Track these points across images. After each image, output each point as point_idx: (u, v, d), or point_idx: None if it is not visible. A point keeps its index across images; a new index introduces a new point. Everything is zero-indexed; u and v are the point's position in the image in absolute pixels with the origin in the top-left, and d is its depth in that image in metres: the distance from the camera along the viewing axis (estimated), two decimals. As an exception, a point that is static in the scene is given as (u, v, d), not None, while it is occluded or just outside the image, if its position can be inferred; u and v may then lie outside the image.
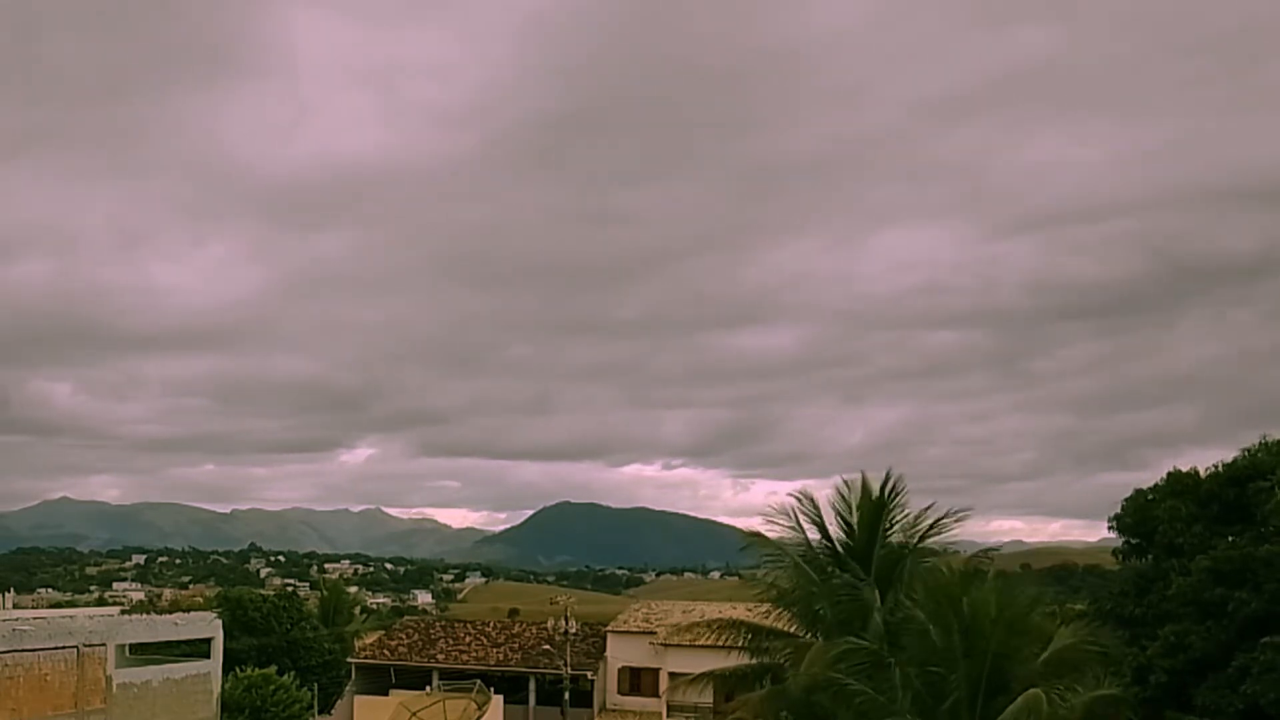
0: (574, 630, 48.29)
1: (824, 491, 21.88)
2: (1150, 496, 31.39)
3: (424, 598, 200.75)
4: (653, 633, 47.51)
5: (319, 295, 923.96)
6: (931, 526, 21.00)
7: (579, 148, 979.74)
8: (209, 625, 36.94)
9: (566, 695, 46.07)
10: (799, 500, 21.71)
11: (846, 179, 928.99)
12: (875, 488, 20.97)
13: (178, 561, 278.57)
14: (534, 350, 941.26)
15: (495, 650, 50.24)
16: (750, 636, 22.03)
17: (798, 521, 21.53)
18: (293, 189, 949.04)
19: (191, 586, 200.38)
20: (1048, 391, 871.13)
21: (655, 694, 46.74)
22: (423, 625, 56.71)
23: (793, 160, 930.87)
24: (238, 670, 41.31)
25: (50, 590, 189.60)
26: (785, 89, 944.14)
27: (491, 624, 56.58)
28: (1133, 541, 32.02)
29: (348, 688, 51.42)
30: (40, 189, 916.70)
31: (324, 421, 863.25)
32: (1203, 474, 30.53)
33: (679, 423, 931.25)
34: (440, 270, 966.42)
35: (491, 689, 44.06)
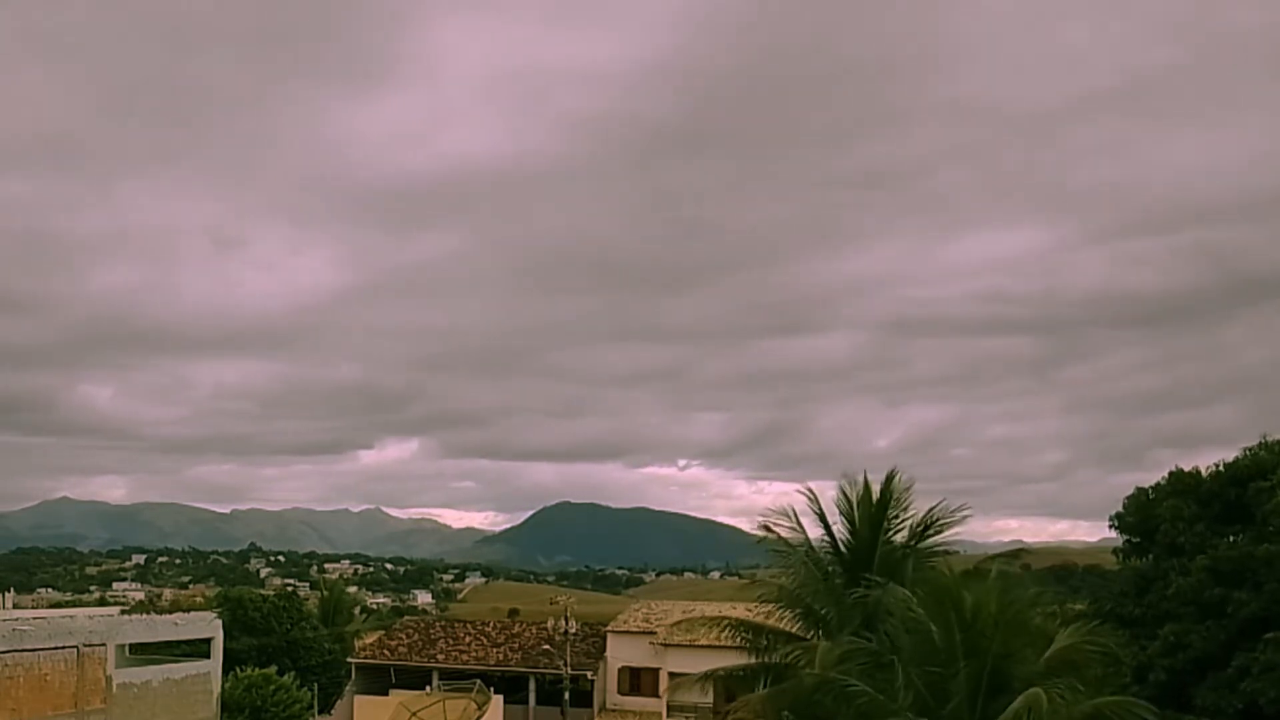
0: (574, 630, 48.25)
1: (832, 492, 21.88)
2: (1151, 495, 31.35)
3: (424, 598, 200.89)
4: (653, 633, 47.47)
5: (391, 299, 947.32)
6: (931, 526, 20.99)
7: (682, 153, 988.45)
8: (209, 625, 36.90)
9: (566, 695, 46.04)
10: (807, 497, 21.71)
11: (934, 188, 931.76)
12: (878, 488, 20.98)
13: (178, 561, 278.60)
14: (583, 355, 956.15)
15: (495, 650, 50.22)
16: (751, 636, 22.00)
17: (798, 521, 21.54)
18: (405, 195, 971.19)
19: (191, 586, 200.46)
20: (1085, 396, 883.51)
21: (655, 694, 46.70)
22: (423, 625, 56.68)
23: (883, 169, 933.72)
24: (238, 670, 41.31)
25: (50, 590, 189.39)
26: (895, 97, 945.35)
27: (491, 624, 56.54)
28: (1134, 541, 31.98)
29: (348, 688, 51.39)
30: (158, 197, 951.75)
31: (354, 424, 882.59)
32: (1204, 473, 30.50)
33: (709, 426, 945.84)
34: (516, 275, 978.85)
35: (491, 689, 44.02)
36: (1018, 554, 24.42)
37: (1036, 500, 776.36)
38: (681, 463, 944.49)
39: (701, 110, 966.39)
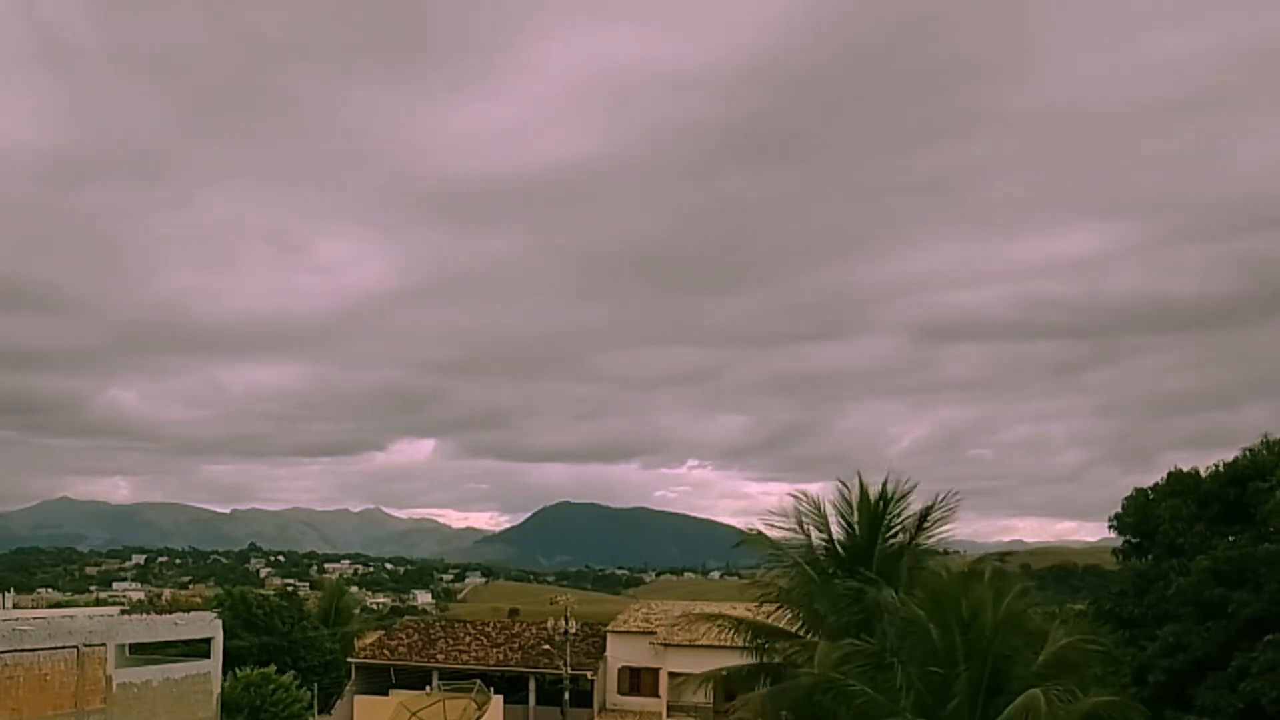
0: (574, 630, 48.25)
1: (831, 493, 21.83)
2: (1151, 496, 31.35)
3: (424, 598, 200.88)
4: (653, 633, 47.50)
5: (437, 302, 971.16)
6: (928, 523, 20.98)
7: (751, 158, 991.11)
8: (209, 625, 36.98)
9: (566, 695, 46.05)
10: (796, 498, 21.69)
11: (990, 194, 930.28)
12: (876, 488, 20.96)
13: (178, 561, 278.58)
14: (618, 358, 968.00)
15: (495, 650, 50.23)
16: (750, 636, 22.01)
17: (799, 521, 21.52)
18: (475, 199, 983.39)
19: (191, 586, 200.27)
20: (1113, 399, 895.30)
21: (655, 694, 46.72)
22: (423, 625, 56.69)
23: (943, 176, 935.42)
24: (237, 670, 41.36)
25: (50, 590, 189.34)
26: (968, 103, 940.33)
27: (491, 624, 56.55)
28: (1133, 541, 31.98)
29: (348, 688, 51.41)
30: (230, 203, 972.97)
31: (375, 425, 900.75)
32: (1204, 474, 30.50)
33: (730, 429, 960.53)
34: (565, 278, 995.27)
35: (491, 689, 44.06)
36: (1005, 555, 24.51)
37: (1046, 501, 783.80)
38: (692, 463, 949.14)
39: (777, 115, 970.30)
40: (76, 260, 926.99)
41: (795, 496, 21.72)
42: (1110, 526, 32.54)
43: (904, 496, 21.06)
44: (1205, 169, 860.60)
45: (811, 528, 21.59)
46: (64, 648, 30.41)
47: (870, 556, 20.68)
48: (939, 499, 21.08)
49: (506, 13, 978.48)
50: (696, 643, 41.66)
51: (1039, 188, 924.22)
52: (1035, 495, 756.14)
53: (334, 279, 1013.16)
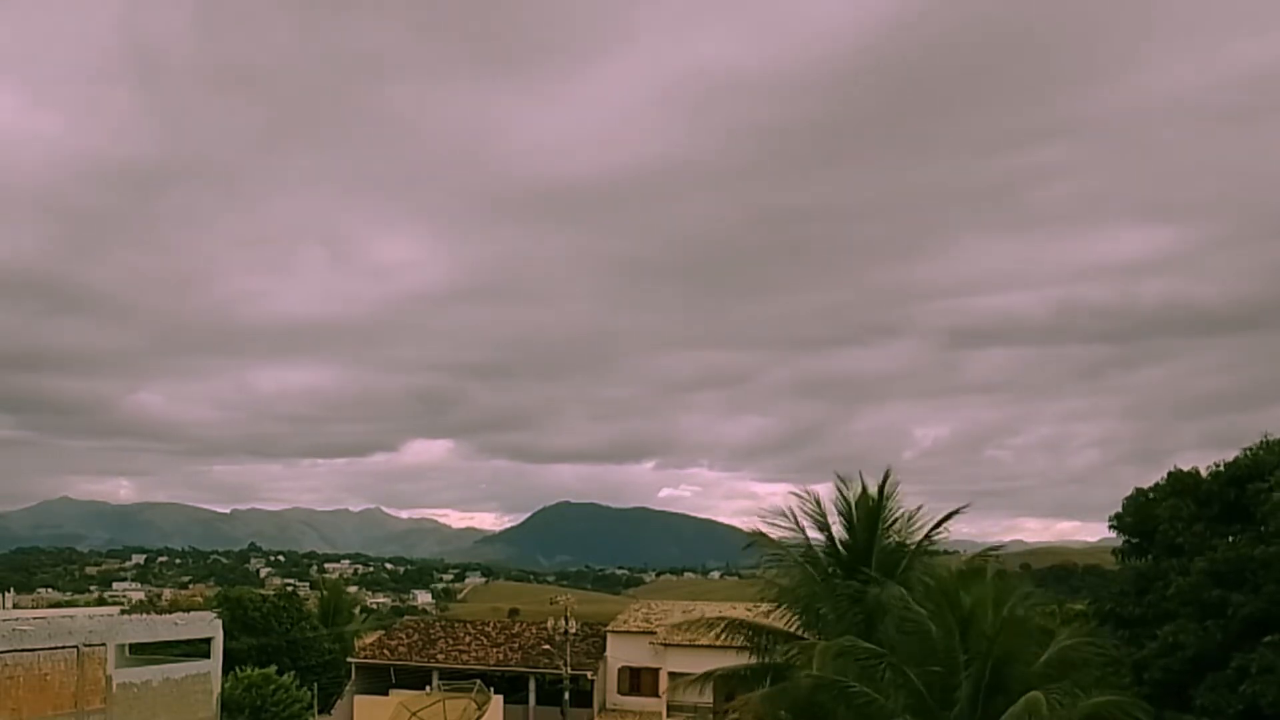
0: (574, 630, 48.26)
1: (830, 493, 21.84)
2: (1151, 495, 31.31)
3: (424, 598, 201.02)
4: (653, 633, 47.50)
5: (479, 303, 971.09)
6: (935, 527, 21.02)
7: (816, 162, 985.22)
8: (209, 625, 36.97)
9: (566, 695, 46.06)
10: (799, 498, 21.72)
11: (1042, 200, 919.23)
12: (875, 487, 20.98)
13: (178, 561, 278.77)
14: (651, 360, 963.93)
15: (495, 650, 50.23)
16: (750, 636, 22.02)
17: (796, 521, 21.54)
18: (536, 200, 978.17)
19: (191, 586, 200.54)
20: (1135, 402, 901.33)
21: (655, 694, 46.72)
22: (423, 625, 56.69)
23: (996, 183, 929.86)
24: (238, 670, 41.41)
25: (50, 590, 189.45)
26: (1036, 109, 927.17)
27: (491, 624, 56.55)
28: (1133, 541, 31.94)
29: (348, 688, 51.40)
30: (291, 206, 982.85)
31: (393, 426, 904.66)
32: (1204, 473, 30.46)
33: (748, 430, 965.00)
34: (609, 280, 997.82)
35: (491, 689, 44.06)
36: (995, 550, 24.60)
37: (1055, 501, 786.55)
38: (702, 464, 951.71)
39: (830, 122, 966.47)
40: (131, 265, 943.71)
41: (798, 495, 21.77)
42: (1110, 526, 32.49)
43: (893, 495, 21.13)
44: (1245, 175, 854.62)
45: (812, 527, 21.64)
46: (64, 648, 30.42)
47: (870, 555, 20.72)
48: (924, 506, 21.21)
49: (571, 24, 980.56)
50: (696, 643, 41.64)
51: (1088, 195, 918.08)
52: (1046, 496, 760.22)
53: (383, 283, 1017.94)
